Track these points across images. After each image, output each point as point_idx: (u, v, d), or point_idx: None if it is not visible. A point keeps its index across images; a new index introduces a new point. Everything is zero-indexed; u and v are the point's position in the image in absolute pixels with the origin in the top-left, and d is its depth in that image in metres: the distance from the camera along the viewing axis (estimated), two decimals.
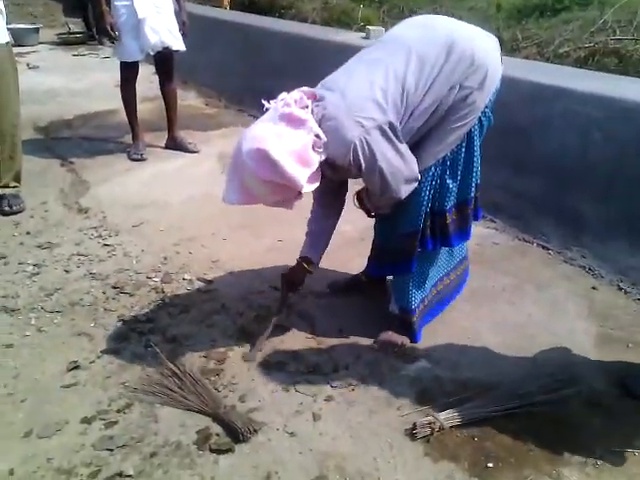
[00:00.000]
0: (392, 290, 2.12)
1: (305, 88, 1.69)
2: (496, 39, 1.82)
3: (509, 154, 2.91)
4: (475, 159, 1.85)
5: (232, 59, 5.27)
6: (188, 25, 3.73)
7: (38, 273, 2.44)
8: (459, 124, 1.75)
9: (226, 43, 5.41)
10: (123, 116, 4.66)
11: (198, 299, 2.28)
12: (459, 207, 1.92)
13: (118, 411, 1.72)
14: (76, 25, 8.51)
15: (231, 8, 7.86)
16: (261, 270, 2.50)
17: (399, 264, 1.97)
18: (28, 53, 7.16)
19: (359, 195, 2.00)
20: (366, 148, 1.61)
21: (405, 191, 1.76)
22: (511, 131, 2.82)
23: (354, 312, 2.21)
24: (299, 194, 1.67)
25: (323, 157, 1.62)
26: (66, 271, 2.46)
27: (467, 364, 1.95)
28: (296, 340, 2.06)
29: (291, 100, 1.61)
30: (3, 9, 2.76)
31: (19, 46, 7.52)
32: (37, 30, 7.85)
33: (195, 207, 3.09)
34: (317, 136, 1.59)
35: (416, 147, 1.79)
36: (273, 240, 2.75)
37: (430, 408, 1.74)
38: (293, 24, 5.83)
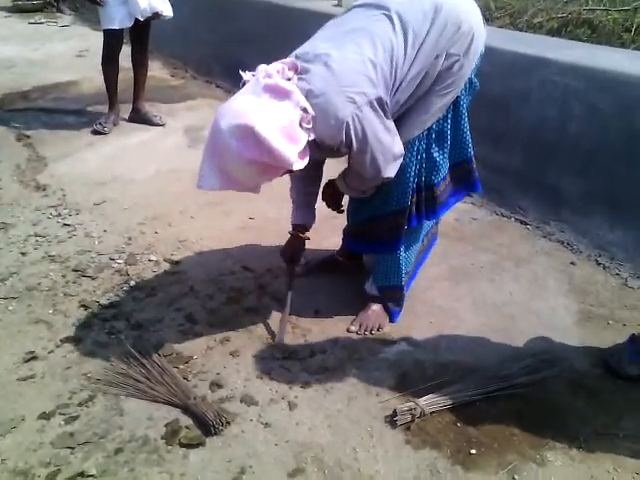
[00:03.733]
0: (371, 269, 2.02)
1: (286, 60, 1.54)
2: (476, 5, 1.71)
3: (486, 126, 2.81)
4: (463, 126, 1.77)
5: (200, 27, 5.02)
6: None
7: None
8: (445, 92, 1.66)
9: (194, 10, 5.15)
10: (84, 88, 4.48)
11: (165, 281, 2.16)
12: (450, 174, 1.84)
13: (79, 405, 1.61)
14: None
15: None
16: (232, 250, 2.38)
17: (384, 243, 1.88)
18: None
19: (327, 190, 1.92)
20: (358, 127, 1.50)
21: (393, 170, 1.66)
22: (488, 103, 2.72)
23: (330, 292, 2.12)
24: (285, 173, 1.54)
25: (312, 136, 1.48)
26: (22, 253, 2.31)
27: (447, 346, 1.88)
28: (270, 324, 1.96)
29: (273, 71, 1.45)
30: None
31: None
32: None
33: (161, 183, 2.93)
34: (304, 110, 1.43)
35: (400, 119, 1.69)
36: (244, 218, 2.63)
37: (410, 393, 1.67)
38: None
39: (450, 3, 1.59)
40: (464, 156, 1.84)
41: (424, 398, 1.63)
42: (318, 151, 1.59)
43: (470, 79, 1.71)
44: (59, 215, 2.61)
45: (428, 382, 1.71)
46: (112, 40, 3.45)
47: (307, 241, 2.04)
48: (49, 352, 1.80)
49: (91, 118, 3.80)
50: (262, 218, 2.62)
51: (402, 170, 1.72)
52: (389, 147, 1.60)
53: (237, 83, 1.53)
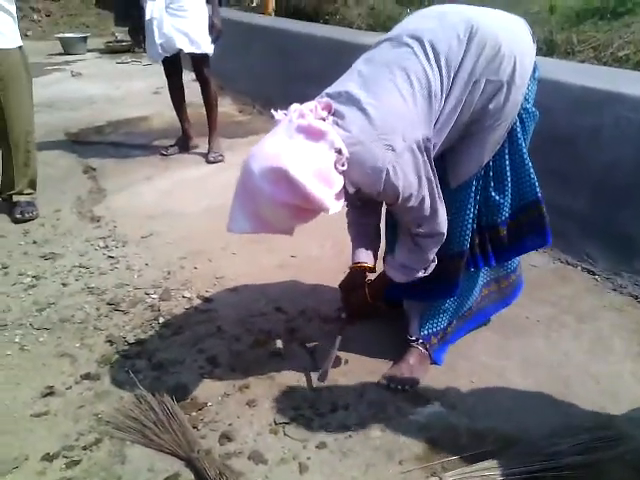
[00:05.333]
0: (417, 316, 1.86)
1: (320, 99, 1.45)
2: (524, 21, 1.56)
3: (551, 166, 2.57)
4: (524, 162, 1.61)
5: (269, 65, 5.13)
6: (219, 28, 3.55)
7: (35, 286, 2.32)
8: (495, 124, 1.51)
9: (263, 49, 5.28)
10: (154, 123, 4.67)
11: (194, 320, 2.10)
12: (515, 219, 1.68)
13: (84, 448, 1.54)
14: (125, 34, 8.63)
15: (276, 15, 7.78)
16: (267, 288, 2.29)
17: (438, 288, 1.73)
18: (75, 61, 7.29)
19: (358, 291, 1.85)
20: (399, 174, 1.38)
21: (444, 221, 1.55)
22: (553, 141, 2.51)
23: (364, 341, 1.97)
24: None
25: (345, 180, 1.39)
26: (63, 284, 2.33)
27: (487, 411, 1.67)
28: (293, 372, 1.83)
29: (306, 110, 1.37)
30: (14, 13, 2.69)
31: (68, 54, 7.70)
32: (85, 39, 7.99)
33: (209, 218, 2.92)
34: (339, 151, 1.34)
35: (452, 158, 1.58)
36: (285, 255, 2.54)
37: (439, 464, 1.48)
38: (331, 29, 5.64)
39: (487, 23, 1.46)
40: (530, 197, 1.66)
41: (453, 472, 1.43)
42: (357, 193, 1.48)
43: (526, 108, 1.56)
44: (106, 247, 2.64)
45: (460, 452, 1.51)
46: (165, 70, 3.77)
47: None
48: (67, 388, 1.76)
49: (155, 152, 3.92)
50: (304, 256, 2.53)
51: (460, 210, 1.61)
52: (435, 188, 1.48)
53: None
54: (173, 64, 3.70)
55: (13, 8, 2.68)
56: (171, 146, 3.93)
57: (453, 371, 1.83)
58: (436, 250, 1.61)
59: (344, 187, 1.40)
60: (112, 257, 2.55)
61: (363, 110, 1.38)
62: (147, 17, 3.40)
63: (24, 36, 9.11)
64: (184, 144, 3.97)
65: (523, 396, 1.72)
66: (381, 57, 1.51)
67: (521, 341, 1.98)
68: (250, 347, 1.95)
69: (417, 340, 1.83)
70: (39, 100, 5.09)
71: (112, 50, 7.89)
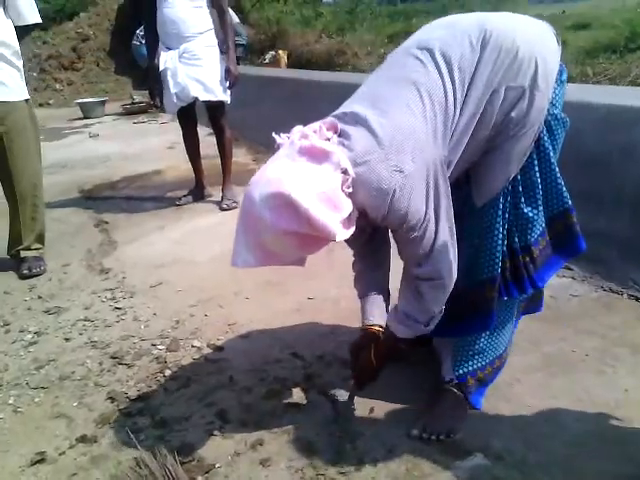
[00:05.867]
0: (449, 354, 1.65)
1: (325, 119, 1.34)
2: (547, 23, 1.41)
3: (583, 188, 2.37)
4: (554, 171, 1.44)
5: (283, 113, 5.09)
6: (235, 74, 3.48)
7: (36, 342, 2.17)
8: (520, 133, 1.35)
9: (277, 98, 5.29)
10: (167, 176, 4.64)
11: (203, 371, 1.91)
12: (548, 230, 1.49)
13: None
14: (143, 97, 8.83)
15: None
16: (282, 333, 2.11)
17: (471, 321, 1.53)
18: (93, 124, 7.45)
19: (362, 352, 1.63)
20: (406, 197, 1.25)
21: (448, 265, 1.38)
22: (584, 162, 2.34)
23: (390, 386, 1.75)
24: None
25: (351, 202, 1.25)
26: (66, 339, 2.18)
27: (539, 461, 1.42)
28: (313, 424, 1.62)
29: (309, 131, 1.26)
30: (21, 67, 2.68)
31: (87, 118, 7.88)
32: (103, 103, 8.20)
33: (221, 265, 2.77)
34: (345, 172, 1.21)
35: (476, 173, 1.44)
36: (301, 298, 2.36)
37: None
38: (344, 74, 5.67)
39: (501, 26, 1.32)
40: (562, 205, 1.48)
41: None
42: (363, 219, 1.33)
43: (553, 114, 1.40)
44: (113, 298, 2.50)
45: None
46: (180, 121, 3.74)
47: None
48: (60, 453, 1.58)
49: (168, 203, 3.85)
50: (320, 298, 2.35)
51: (489, 231, 1.43)
52: (447, 220, 1.33)
53: None
54: (188, 114, 3.66)
55: (20, 63, 2.67)
56: (184, 196, 3.85)
57: (495, 416, 1.60)
58: (440, 301, 1.43)
59: (352, 213, 1.25)
60: (119, 308, 2.40)
61: (370, 129, 1.26)
62: (161, 67, 3.38)
63: (46, 104, 9.47)
64: (198, 194, 3.89)
65: (580, 442, 1.48)
66: (389, 73, 1.39)
67: (569, 378, 1.75)
68: (264, 398, 1.75)
69: (451, 381, 1.62)
70: (54, 161, 5.18)
71: (129, 112, 8.06)
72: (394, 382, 1.76)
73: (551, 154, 1.41)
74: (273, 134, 1.31)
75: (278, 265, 1.33)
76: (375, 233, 1.59)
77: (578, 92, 2.63)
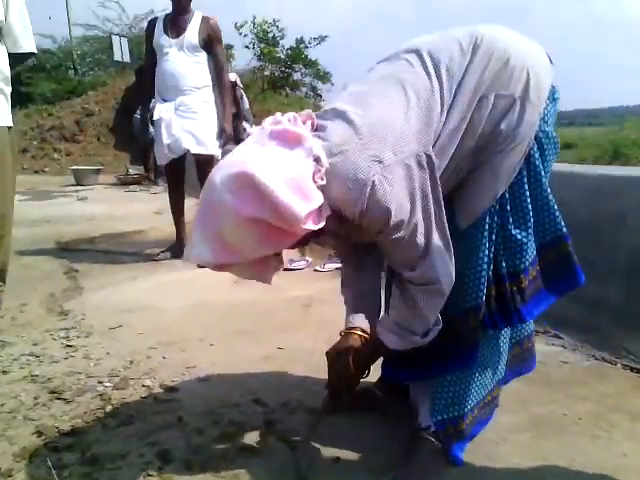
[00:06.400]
0: (426, 398, 1.45)
1: (301, 112, 1.26)
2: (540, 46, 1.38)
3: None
4: (545, 192, 1.33)
5: None
6: (229, 134, 3.51)
7: None
8: (509, 147, 1.27)
9: None
10: (149, 235, 4.52)
11: (149, 410, 1.69)
12: (539, 258, 1.37)
13: None
14: (139, 170, 8.94)
15: None
16: (246, 379, 1.90)
17: (452, 356, 1.36)
18: (84, 190, 7.43)
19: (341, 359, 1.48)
20: (387, 191, 1.13)
21: (444, 269, 1.24)
22: (573, 229, 2.26)
23: (360, 435, 1.54)
24: (293, 246, 1.18)
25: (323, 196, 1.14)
26: (4, 372, 1.96)
27: None
28: (268, 470, 1.39)
29: (283, 118, 1.18)
30: (8, 94, 2.64)
31: (79, 185, 7.90)
32: (97, 171, 8.27)
33: (191, 312, 2.60)
34: (317, 160, 1.11)
35: (460, 190, 1.33)
36: (272, 347, 2.17)
37: None
38: None
39: (493, 35, 1.29)
40: (555, 232, 1.37)
41: None
42: (338, 224, 1.22)
43: (545, 130, 1.32)
44: (67, 337, 2.29)
45: None
46: (166, 174, 3.78)
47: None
48: None
49: (145, 258, 3.70)
50: (294, 348, 2.16)
51: (473, 254, 1.31)
52: (438, 219, 1.21)
53: None
54: (177, 167, 3.62)
55: (8, 89, 2.64)
56: (162, 252, 3.72)
57: (476, 474, 1.39)
58: (436, 308, 1.28)
59: (323, 208, 1.13)
60: (70, 346, 2.19)
61: (348, 120, 1.18)
62: (155, 117, 3.39)
63: (42, 171, 9.55)
64: (177, 250, 3.74)
65: None
66: (375, 74, 1.33)
67: (561, 440, 1.55)
68: (215, 441, 1.53)
69: (428, 429, 1.41)
70: (38, 217, 5.07)
71: (123, 182, 8.11)
72: (365, 431, 1.56)
73: (542, 172, 1.33)
74: (244, 124, 1.22)
75: (237, 265, 1.17)
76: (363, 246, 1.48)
77: (565, 165, 2.64)
